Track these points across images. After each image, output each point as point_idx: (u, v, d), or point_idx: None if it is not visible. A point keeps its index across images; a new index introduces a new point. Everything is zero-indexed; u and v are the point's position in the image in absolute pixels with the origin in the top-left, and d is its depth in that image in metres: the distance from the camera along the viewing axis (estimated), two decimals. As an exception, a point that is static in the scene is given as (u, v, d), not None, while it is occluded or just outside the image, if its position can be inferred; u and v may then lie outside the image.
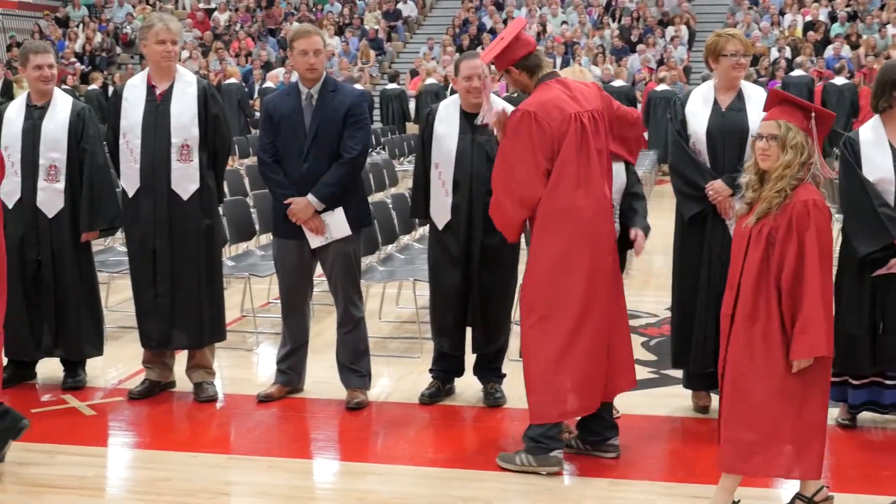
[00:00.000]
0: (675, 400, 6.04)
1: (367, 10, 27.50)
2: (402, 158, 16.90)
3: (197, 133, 5.96)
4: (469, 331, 5.93)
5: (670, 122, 5.74)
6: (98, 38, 26.82)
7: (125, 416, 5.96)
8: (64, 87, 20.69)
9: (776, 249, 4.22)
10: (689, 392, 5.92)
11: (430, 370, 6.11)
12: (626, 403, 5.80)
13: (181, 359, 6.31)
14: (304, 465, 5.31)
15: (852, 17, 23.80)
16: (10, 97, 19.72)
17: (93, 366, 6.52)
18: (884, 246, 5.24)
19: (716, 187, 5.46)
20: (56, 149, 6.14)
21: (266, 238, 8.56)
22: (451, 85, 20.34)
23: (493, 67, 5.37)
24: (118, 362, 6.84)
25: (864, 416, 5.65)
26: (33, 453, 5.32)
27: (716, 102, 5.58)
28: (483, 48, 23.16)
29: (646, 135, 17.94)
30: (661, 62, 22.22)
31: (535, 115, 4.90)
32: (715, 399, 5.54)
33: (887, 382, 5.50)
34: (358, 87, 18.17)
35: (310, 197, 5.77)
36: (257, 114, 17.77)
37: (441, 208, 5.81)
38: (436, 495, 4.83)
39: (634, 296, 5.79)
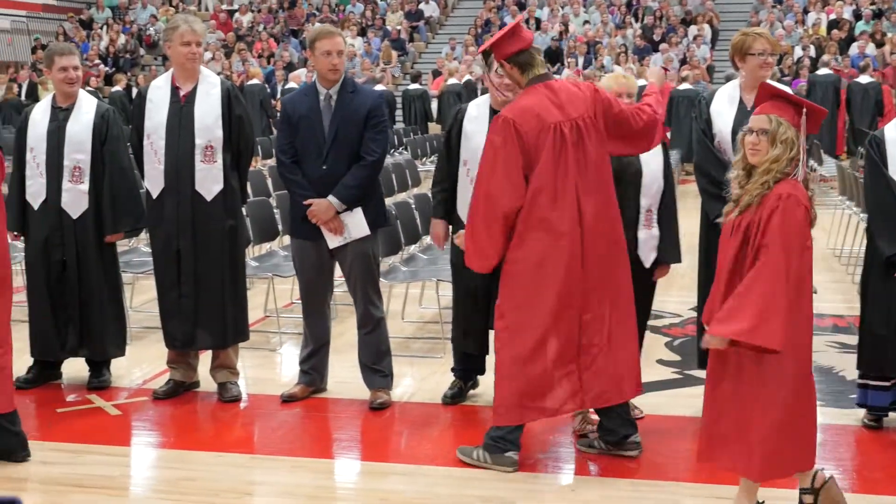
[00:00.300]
0: (698, 400, 5.93)
1: (390, 11, 27.53)
2: (424, 159, 16.92)
3: (221, 134, 5.98)
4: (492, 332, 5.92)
5: (695, 121, 5.72)
6: (122, 39, 26.96)
7: (150, 416, 5.98)
8: (88, 88, 20.80)
9: (751, 243, 4.18)
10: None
11: (453, 369, 6.11)
12: (650, 403, 5.78)
13: (205, 359, 6.34)
14: (327, 465, 5.33)
15: (877, 15, 23.65)
16: (36, 99, 19.85)
17: (117, 366, 6.56)
18: None
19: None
20: (80, 150, 6.17)
21: (289, 239, 8.57)
22: (477, 84, 20.34)
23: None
24: (143, 362, 6.88)
25: (893, 416, 5.61)
26: (59, 453, 5.36)
27: (741, 101, 5.55)
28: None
29: (668, 134, 17.96)
30: (683, 61, 22.14)
31: (513, 122, 4.86)
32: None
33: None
34: (380, 87, 18.19)
35: (331, 198, 5.78)
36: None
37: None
38: (458, 495, 4.83)
39: (658, 296, 5.76)
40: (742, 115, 5.50)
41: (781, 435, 4.22)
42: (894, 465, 5.19)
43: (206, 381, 6.31)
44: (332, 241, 5.89)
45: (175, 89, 6.05)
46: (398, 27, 26.48)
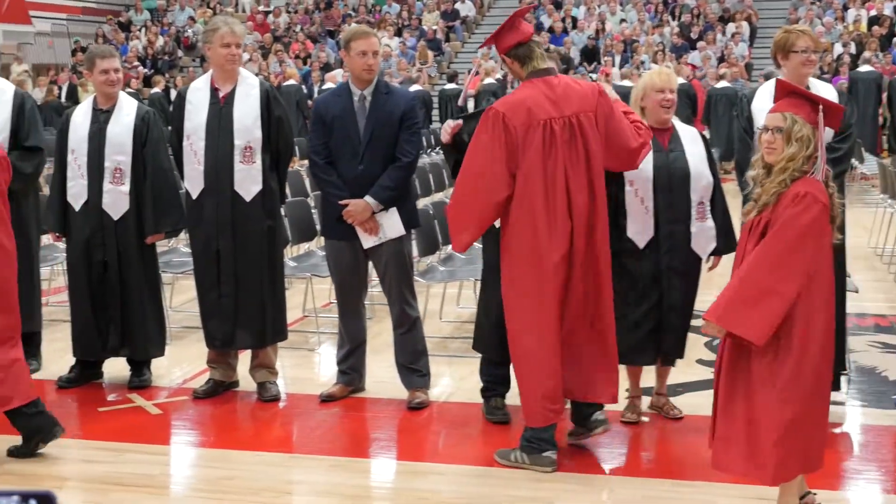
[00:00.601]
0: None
1: (426, 11, 27.55)
2: (460, 158, 16.85)
3: (260, 135, 6.01)
4: None
5: (736, 119, 5.68)
6: (160, 41, 27.17)
7: (190, 416, 6.02)
8: (129, 90, 20.99)
9: None
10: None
11: (482, 390, 5.91)
12: (689, 404, 5.75)
13: (245, 358, 6.37)
14: (365, 465, 5.34)
15: (919, 11, 23.40)
16: (76, 101, 20.04)
17: (158, 365, 6.61)
18: None
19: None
20: (121, 152, 6.22)
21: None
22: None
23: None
24: (182, 362, 6.92)
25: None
26: (101, 451, 5.41)
27: (784, 99, 5.51)
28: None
29: (706, 133, 17.85)
30: (721, 59, 22.00)
31: (503, 116, 4.87)
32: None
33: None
34: (416, 87, 18.22)
35: (368, 199, 5.80)
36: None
37: None
38: (497, 495, 4.82)
39: (697, 295, 5.72)
40: (783, 113, 5.46)
41: (793, 437, 4.12)
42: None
43: (246, 380, 6.34)
44: (367, 242, 5.90)
45: (214, 90, 6.08)
46: (434, 27, 26.50)
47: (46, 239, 7.40)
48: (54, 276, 8.62)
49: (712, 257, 5.62)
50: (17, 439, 5.26)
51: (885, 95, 17.88)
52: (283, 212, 6.64)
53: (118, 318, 6.30)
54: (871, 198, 11.61)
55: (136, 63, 25.59)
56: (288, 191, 8.26)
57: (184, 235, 7.35)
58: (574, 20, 25.66)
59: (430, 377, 6.11)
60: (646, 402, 5.85)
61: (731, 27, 24.27)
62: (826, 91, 5.51)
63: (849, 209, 5.96)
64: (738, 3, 25.15)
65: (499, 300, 5.17)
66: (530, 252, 4.93)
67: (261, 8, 28.56)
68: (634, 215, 5.47)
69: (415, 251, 6.57)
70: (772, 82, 5.65)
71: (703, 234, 5.51)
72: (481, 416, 5.80)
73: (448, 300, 8.11)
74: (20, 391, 5.15)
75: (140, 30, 28.01)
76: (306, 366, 7.12)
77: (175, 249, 8.64)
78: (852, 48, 21.76)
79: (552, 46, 23.73)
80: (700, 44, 23.07)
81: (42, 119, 7.04)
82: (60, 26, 27.55)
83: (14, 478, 4.98)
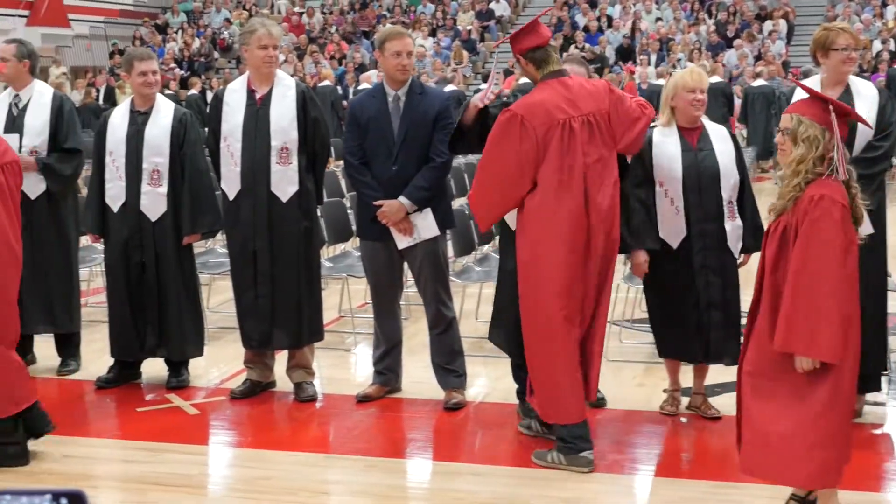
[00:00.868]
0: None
1: (461, 11, 27.55)
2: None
3: (296, 136, 6.03)
4: None
5: (775, 118, 5.64)
6: (196, 43, 27.33)
7: (227, 416, 6.05)
8: (168, 91, 21.16)
9: (789, 247, 4.08)
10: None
11: (518, 392, 5.86)
12: (729, 404, 5.70)
13: (281, 359, 6.39)
14: (401, 465, 5.34)
15: (959, 7, 23.13)
16: (114, 103, 20.21)
17: (195, 365, 6.64)
18: None
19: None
20: (159, 153, 6.26)
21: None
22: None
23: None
24: (220, 362, 6.95)
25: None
26: (139, 451, 5.44)
27: (824, 98, 5.46)
28: (576, 47, 23.10)
29: (744, 132, 17.73)
30: (758, 57, 21.83)
31: (522, 118, 4.93)
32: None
33: None
34: (451, 87, 18.21)
35: (402, 199, 5.80)
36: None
37: None
38: (535, 496, 4.80)
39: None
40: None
41: (827, 441, 4.08)
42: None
43: (283, 380, 6.36)
44: (402, 242, 5.90)
45: (251, 92, 6.10)
46: (469, 27, 26.49)
47: (85, 240, 7.47)
48: (93, 276, 8.69)
49: (742, 255, 5.60)
50: (49, 439, 5.29)
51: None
52: (319, 212, 6.65)
53: (156, 318, 6.33)
54: (911, 196, 11.47)
55: (173, 65, 25.77)
56: (324, 192, 8.29)
57: (221, 236, 7.38)
58: (609, 19, 25.57)
59: (467, 377, 6.10)
60: (684, 402, 5.82)
61: (768, 25, 24.09)
62: (866, 89, 5.45)
63: (889, 207, 5.90)
64: (776, 0, 24.96)
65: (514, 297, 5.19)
66: (549, 245, 4.95)
67: (296, 9, 28.67)
68: (665, 216, 5.48)
69: (450, 251, 6.57)
70: (811, 80, 5.62)
71: (732, 232, 5.53)
72: (517, 417, 5.79)
73: (484, 300, 8.09)
74: (22, 396, 5.14)
75: (176, 32, 28.20)
76: (342, 366, 7.14)
77: (212, 250, 8.69)
78: (891, 45, 21.54)
79: (587, 46, 23.71)
80: (736, 42, 22.91)
81: (80, 121, 7.10)
82: (98, 29, 27.80)
83: (53, 477, 5.02)
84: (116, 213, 6.31)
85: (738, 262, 5.62)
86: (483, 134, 5.15)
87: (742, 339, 5.41)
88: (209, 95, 20.94)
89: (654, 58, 22.99)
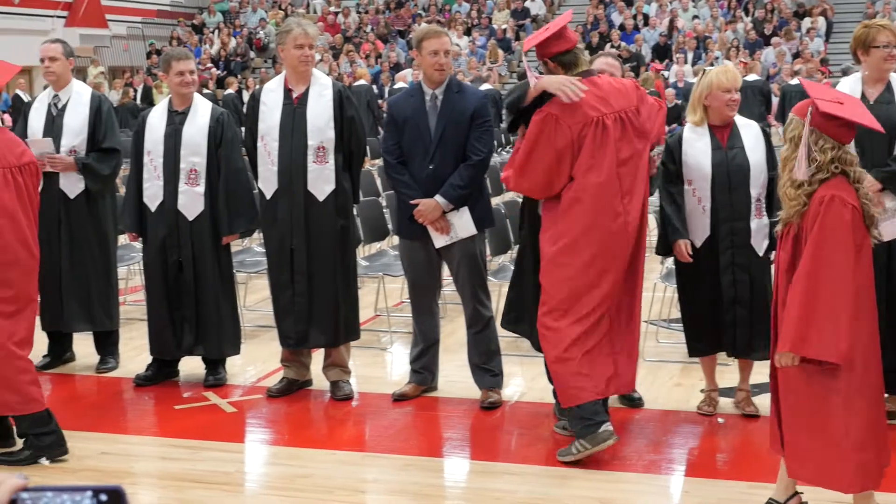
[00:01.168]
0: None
1: (496, 10, 27.53)
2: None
3: (333, 135, 6.04)
4: None
5: (815, 117, 5.60)
6: (232, 43, 27.48)
7: (264, 414, 6.07)
8: (206, 91, 21.29)
9: (801, 249, 4.02)
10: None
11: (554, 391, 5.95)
12: (765, 405, 5.66)
13: (318, 357, 6.41)
14: (438, 464, 5.34)
15: None
16: (151, 103, 20.37)
17: (232, 364, 6.67)
18: None
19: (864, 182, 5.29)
20: (196, 153, 6.29)
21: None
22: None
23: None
24: (257, 361, 6.99)
25: None
26: (176, 449, 5.47)
27: (863, 95, 5.40)
28: (612, 45, 23.01)
29: (780, 130, 17.55)
30: (796, 55, 21.66)
31: (557, 118, 5.02)
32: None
33: None
34: (487, 86, 18.19)
35: (438, 198, 5.80)
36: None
37: None
38: (571, 496, 4.79)
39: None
40: (864, 109, 5.36)
41: (858, 444, 4.04)
42: None
43: (319, 379, 6.38)
44: (439, 241, 5.90)
45: (288, 91, 6.12)
46: (504, 26, 26.47)
47: (123, 239, 7.52)
48: (131, 275, 8.76)
49: (773, 253, 5.57)
50: (88, 436, 5.33)
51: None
52: (355, 212, 6.66)
53: (193, 317, 6.37)
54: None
55: (210, 65, 25.93)
56: (360, 191, 8.31)
57: (257, 235, 7.41)
58: (645, 17, 25.46)
59: (503, 377, 6.10)
60: (725, 402, 5.79)
61: (806, 22, 23.89)
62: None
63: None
64: (814, -3, 24.77)
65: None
66: (581, 246, 5.02)
67: (332, 8, 28.76)
68: (691, 215, 5.50)
69: (487, 250, 6.56)
70: (851, 78, 5.56)
71: (759, 231, 5.50)
72: (553, 417, 5.78)
73: (520, 299, 8.08)
74: (34, 404, 5.17)
75: (213, 32, 28.37)
76: (378, 365, 7.15)
77: (249, 249, 8.73)
78: (932, 42, 21.27)
79: (623, 44, 23.61)
80: (774, 39, 22.73)
81: (118, 121, 7.15)
82: (135, 29, 28.03)
83: (92, 473, 5.07)
84: (154, 213, 6.35)
85: (771, 259, 5.58)
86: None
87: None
88: (245, 95, 21.05)
89: (690, 56, 22.87)
